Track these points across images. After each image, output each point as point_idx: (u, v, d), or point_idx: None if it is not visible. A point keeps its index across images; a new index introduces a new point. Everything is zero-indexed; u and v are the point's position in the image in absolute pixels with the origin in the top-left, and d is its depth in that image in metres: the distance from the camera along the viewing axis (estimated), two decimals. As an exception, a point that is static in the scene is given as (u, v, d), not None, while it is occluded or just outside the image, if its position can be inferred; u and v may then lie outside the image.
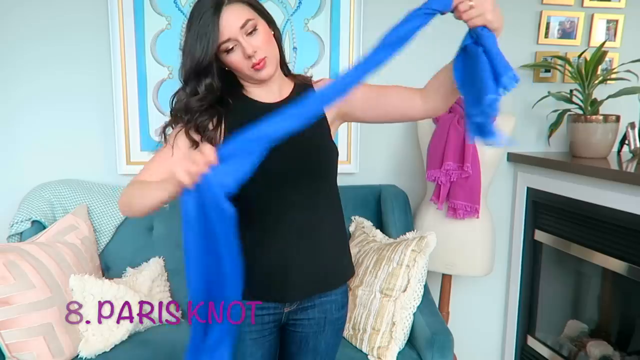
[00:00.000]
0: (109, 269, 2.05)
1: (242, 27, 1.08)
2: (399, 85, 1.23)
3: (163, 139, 1.18)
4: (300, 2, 2.19)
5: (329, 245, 1.24)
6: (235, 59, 1.11)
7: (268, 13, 1.16)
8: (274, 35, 1.16)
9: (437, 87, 1.16)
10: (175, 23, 2.13)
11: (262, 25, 1.12)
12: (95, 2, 2.08)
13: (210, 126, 1.15)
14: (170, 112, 1.17)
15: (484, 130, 0.98)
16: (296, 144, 1.14)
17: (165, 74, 2.16)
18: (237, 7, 1.09)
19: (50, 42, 2.07)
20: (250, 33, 1.09)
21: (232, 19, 1.07)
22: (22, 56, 2.07)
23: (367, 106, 1.22)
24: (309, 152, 1.17)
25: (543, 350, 2.31)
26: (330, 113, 1.23)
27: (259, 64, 1.10)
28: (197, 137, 1.15)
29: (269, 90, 1.20)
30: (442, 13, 1.03)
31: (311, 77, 1.28)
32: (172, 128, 1.17)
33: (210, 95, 1.13)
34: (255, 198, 1.18)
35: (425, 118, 1.25)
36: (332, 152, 1.22)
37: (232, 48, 1.09)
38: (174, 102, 1.17)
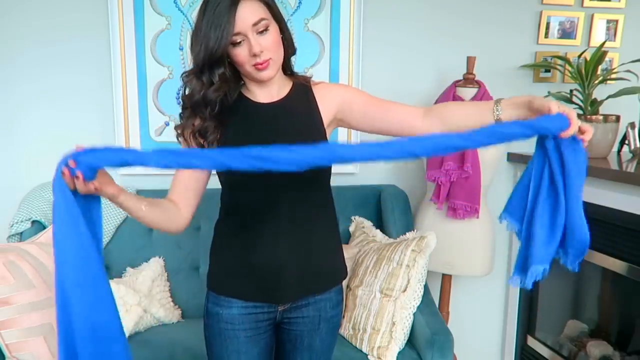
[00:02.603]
0: (109, 269, 2.05)
1: (255, 24, 1.08)
2: (400, 103, 1.22)
3: (182, 140, 1.19)
4: (300, 2, 2.19)
5: (322, 247, 1.24)
6: (240, 54, 1.10)
7: (282, 16, 1.16)
8: (283, 37, 1.15)
9: (447, 126, 1.14)
10: (175, 23, 2.13)
11: (274, 27, 1.12)
12: (95, 2, 2.08)
13: (211, 129, 1.15)
14: (184, 105, 1.16)
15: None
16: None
17: (165, 74, 2.16)
18: (255, 3, 1.09)
19: (50, 42, 2.08)
20: (261, 32, 1.09)
21: (247, 14, 1.07)
22: (22, 56, 2.07)
23: (365, 118, 1.22)
24: None
25: (543, 350, 2.31)
26: (327, 116, 1.23)
27: (262, 64, 1.10)
28: (201, 139, 1.16)
29: (268, 90, 1.20)
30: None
31: (311, 77, 1.28)
32: (188, 127, 1.16)
33: (225, 85, 1.13)
34: (247, 200, 1.19)
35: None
36: None
37: (240, 42, 1.09)
38: (186, 91, 1.16)
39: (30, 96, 2.10)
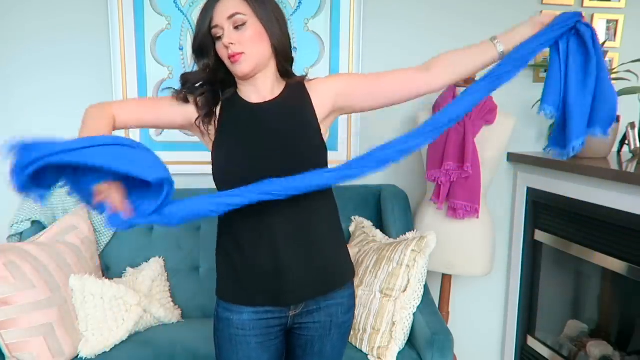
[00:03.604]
0: (109, 269, 2.05)
1: (230, 17, 1.12)
2: (395, 70, 1.23)
3: (181, 92, 1.23)
4: (300, 2, 2.19)
5: (325, 247, 1.23)
6: (219, 47, 1.15)
7: (272, 19, 1.16)
8: (271, 38, 1.15)
9: (455, 69, 1.20)
10: (175, 23, 2.13)
11: (254, 24, 1.13)
12: (95, 2, 2.08)
13: (209, 107, 1.20)
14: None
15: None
16: (284, 145, 1.15)
17: (165, 74, 2.16)
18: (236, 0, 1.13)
19: (50, 43, 2.08)
20: (238, 27, 1.12)
21: (224, 8, 1.12)
22: (22, 56, 2.07)
23: (367, 97, 1.23)
24: (296, 153, 1.17)
25: (543, 350, 2.31)
26: (322, 111, 1.23)
27: (233, 56, 1.13)
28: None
29: (257, 90, 1.21)
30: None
31: (306, 75, 1.28)
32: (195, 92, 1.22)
33: (204, 74, 1.19)
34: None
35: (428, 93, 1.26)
36: (320, 151, 1.22)
37: (220, 37, 1.14)
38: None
39: (30, 96, 2.10)
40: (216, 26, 1.13)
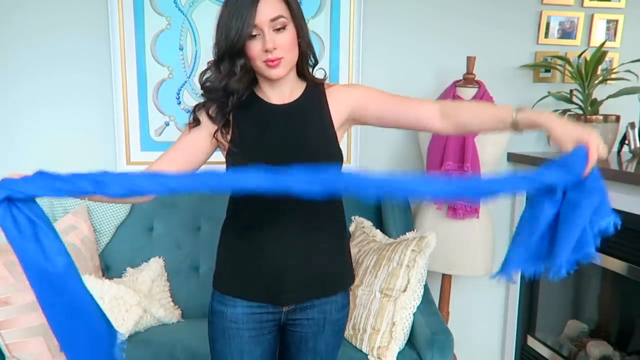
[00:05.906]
0: (109, 269, 2.05)
1: (273, 20, 1.09)
2: (415, 99, 1.22)
3: (192, 118, 1.20)
4: (300, 2, 2.18)
5: (328, 252, 1.23)
6: (253, 48, 1.10)
7: (303, 21, 1.16)
8: (301, 41, 1.15)
9: (468, 125, 1.17)
10: (175, 23, 2.13)
11: (291, 28, 1.12)
12: (95, 2, 2.08)
13: (226, 111, 1.17)
14: (203, 92, 1.19)
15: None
16: (300, 149, 1.14)
17: (165, 74, 2.15)
18: (276, 0, 1.10)
19: (50, 42, 2.08)
20: (278, 30, 1.10)
21: (267, 9, 1.08)
22: (22, 56, 2.07)
23: (382, 118, 1.22)
24: (312, 158, 1.16)
25: (543, 350, 2.31)
26: (338, 119, 1.22)
27: (273, 61, 1.10)
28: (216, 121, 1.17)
29: (280, 91, 1.19)
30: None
31: (325, 79, 1.26)
32: (203, 107, 1.19)
33: (247, 76, 1.14)
34: (255, 199, 1.17)
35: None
36: (336, 158, 1.21)
37: (255, 36, 1.10)
38: (205, 82, 1.18)
39: (30, 96, 2.10)
40: (255, 26, 1.08)
